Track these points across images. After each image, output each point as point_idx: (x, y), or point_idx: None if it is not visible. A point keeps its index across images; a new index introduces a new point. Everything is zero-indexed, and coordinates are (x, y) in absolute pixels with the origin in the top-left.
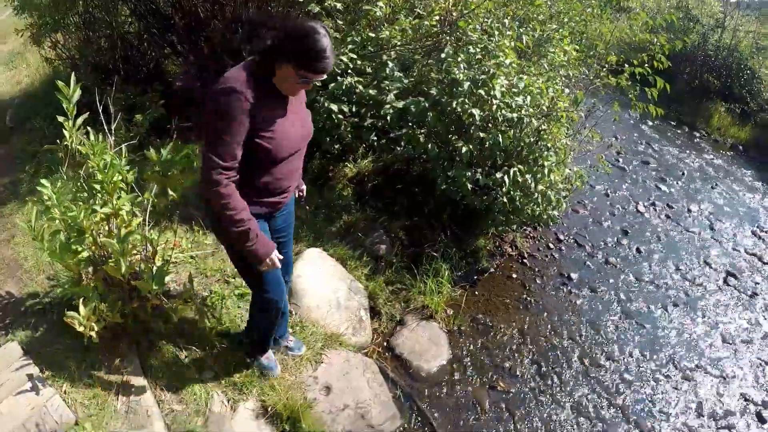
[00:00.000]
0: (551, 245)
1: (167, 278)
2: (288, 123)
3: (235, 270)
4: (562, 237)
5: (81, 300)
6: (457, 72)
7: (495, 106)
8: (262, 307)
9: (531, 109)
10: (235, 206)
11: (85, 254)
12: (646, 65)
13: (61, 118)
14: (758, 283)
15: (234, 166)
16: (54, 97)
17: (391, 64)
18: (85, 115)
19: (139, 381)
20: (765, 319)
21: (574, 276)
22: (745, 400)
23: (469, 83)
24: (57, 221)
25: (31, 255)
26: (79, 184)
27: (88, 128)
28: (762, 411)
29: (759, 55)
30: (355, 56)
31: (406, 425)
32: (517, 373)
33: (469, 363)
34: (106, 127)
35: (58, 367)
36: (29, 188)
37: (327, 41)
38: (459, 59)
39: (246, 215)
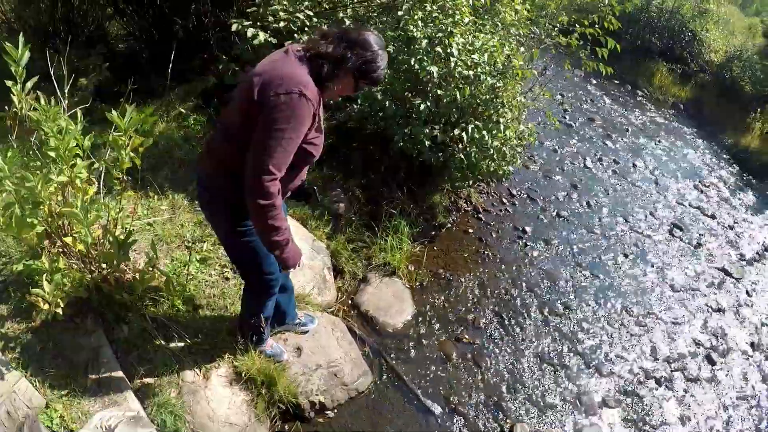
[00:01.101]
0: (505, 200)
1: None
2: (321, 126)
3: (195, 234)
4: (514, 192)
5: (44, 276)
6: (414, 30)
7: (453, 64)
8: (261, 290)
9: (487, 67)
10: (280, 216)
11: (40, 228)
12: (596, 26)
13: (9, 82)
14: (702, 234)
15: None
16: None
17: (347, 22)
18: (35, 79)
19: (107, 356)
20: (709, 268)
21: (528, 229)
22: (695, 344)
23: (426, 41)
24: (9, 193)
25: None
26: (31, 152)
27: (38, 92)
28: (711, 353)
29: (700, 19)
30: (311, 13)
31: (377, 381)
32: (481, 324)
33: (433, 317)
34: (58, 91)
35: (22, 349)
36: None
37: (386, 56)
38: (416, 17)
39: (285, 224)
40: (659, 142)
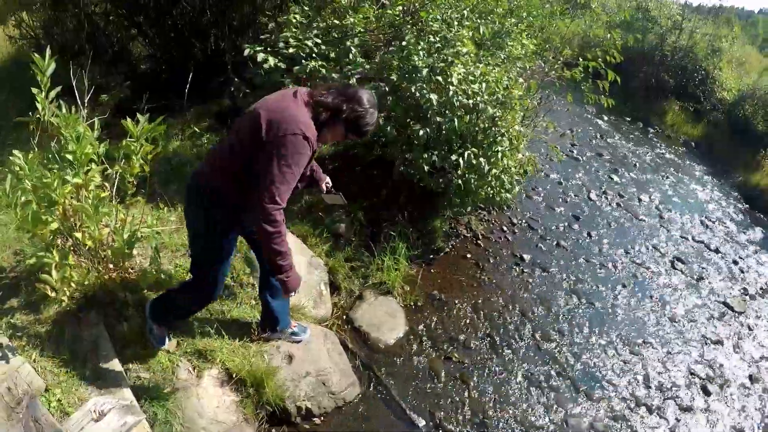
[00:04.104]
0: (505, 228)
1: (134, 251)
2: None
3: None
4: (515, 221)
5: (53, 266)
6: (416, 59)
7: (452, 92)
8: (207, 289)
9: (486, 97)
10: (285, 242)
11: (54, 225)
12: (599, 59)
13: (35, 90)
14: (705, 268)
15: None
16: (16, 76)
17: (354, 50)
18: (58, 89)
19: (107, 349)
20: (711, 301)
21: (526, 257)
22: (691, 374)
23: (427, 70)
24: (28, 191)
25: None
26: (50, 155)
27: (60, 101)
28: (707, 384)
29: (714, 57)
30: (319, 41)
31: (365, 393)
32: (471, 345)
33: (425, 336)
34: (79, 100)
35: (28, 337)
36: None
37: (376, 114)
38: (419, 47)
39: (289, 250)
40: (667, 177)
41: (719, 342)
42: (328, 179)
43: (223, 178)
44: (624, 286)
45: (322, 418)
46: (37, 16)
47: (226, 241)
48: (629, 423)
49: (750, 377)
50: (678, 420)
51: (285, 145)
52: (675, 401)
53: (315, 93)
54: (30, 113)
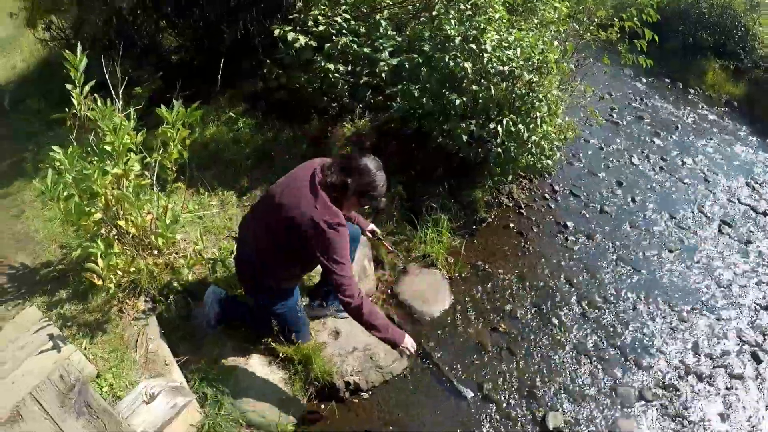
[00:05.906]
0: (547, 196)
1: (178, 236)
2: None
3: None
4: (557, 188)
5: (99, 255)
6: (448, 28)
7: (486, 59)
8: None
9: (521, 62)
10: (375, 314)
11: (97, 215)
12: (635, 18)
13: (69, 86)
14: (752, 232)
15: None
16: (50, 77)
17: (384, 23)
18: (92, 83)
19: (155, 334)
20: (759, 265)
21: (570, 224)
22: (741, 340)
23: (460, 38)
24: (70, 185)
25: (42, 227)
26: (89, 148)
27: (95, 96)
28: (757, 351)
29: (753, 13)
30: (348, 17)
31: (412, 366)
32: (518, 315)
33: (470, 307)
34: (113, 93)
35: (77, 326)
36: (34, 165)
37: (383, 175)
38: (450, 16)
39: (379, 321)
40: (711, 139)
41: None
42: (372, 226)
43: (265, 269)
44: (670, 251)
45: (370, 392)
46: (66, 16)
47: (283, 313)
48: (678, 391)
49: None
50: (729, 388)
51: (327, 245)
52: (725, 369)
53: (323, 175)
54: (66, 109)
